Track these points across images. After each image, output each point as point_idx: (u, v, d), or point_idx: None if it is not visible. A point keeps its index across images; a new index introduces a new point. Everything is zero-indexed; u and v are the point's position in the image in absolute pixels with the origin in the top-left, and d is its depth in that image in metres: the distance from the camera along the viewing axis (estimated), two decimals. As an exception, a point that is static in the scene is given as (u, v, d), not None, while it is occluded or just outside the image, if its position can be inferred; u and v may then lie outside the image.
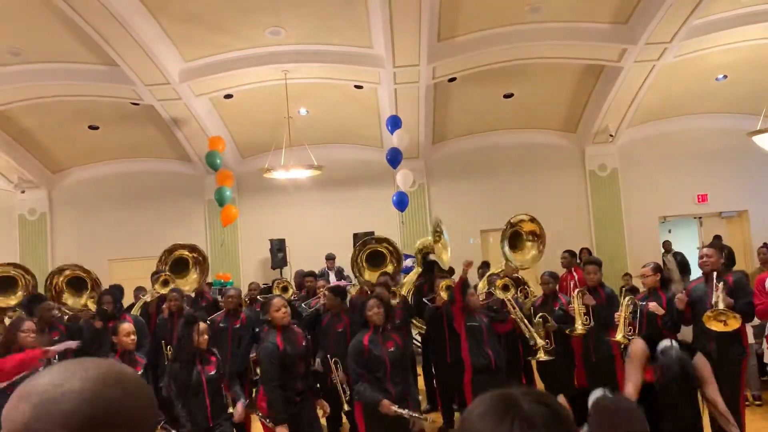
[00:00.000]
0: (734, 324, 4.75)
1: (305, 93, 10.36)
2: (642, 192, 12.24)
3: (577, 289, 6.19)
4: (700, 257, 5.34)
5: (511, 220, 7.21)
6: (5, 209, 12.55)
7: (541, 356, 5.99)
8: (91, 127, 11.32)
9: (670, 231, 13.82)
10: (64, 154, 12.29)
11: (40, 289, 7.36)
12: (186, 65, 9.45)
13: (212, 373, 4.88)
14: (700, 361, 3.87)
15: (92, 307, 6.70)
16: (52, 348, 5.32)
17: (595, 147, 12.19)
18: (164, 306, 6.64)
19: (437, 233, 7.51)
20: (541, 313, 6.26)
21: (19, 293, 6.90)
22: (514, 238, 6.94)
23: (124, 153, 12.36)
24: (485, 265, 9.12)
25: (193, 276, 7.37)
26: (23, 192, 12.48)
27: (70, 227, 12.65)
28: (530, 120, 12.06)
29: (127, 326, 5.12)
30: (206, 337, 4.92)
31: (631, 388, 3.77)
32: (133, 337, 5.06)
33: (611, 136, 11.76)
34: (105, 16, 7.61)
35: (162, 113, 10.46)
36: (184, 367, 4.80)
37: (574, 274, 8.35)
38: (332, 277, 9.98)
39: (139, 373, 5.02)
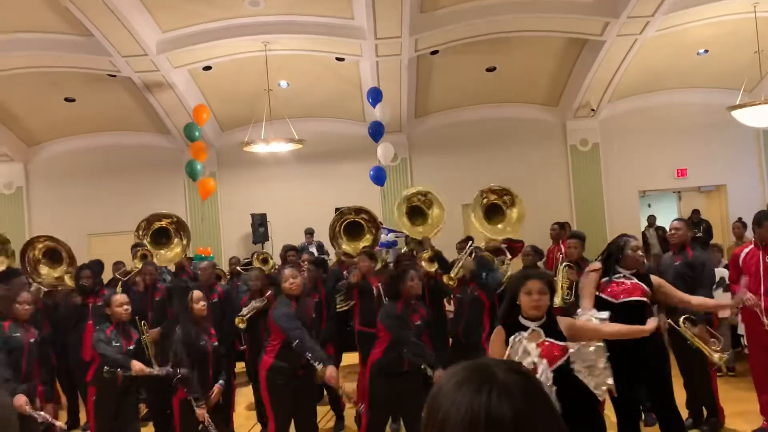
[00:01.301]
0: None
1: (286, 65, 10.23)
2: (622, 167, 12.31)
3: (564, 263, 6.20)
4: (670, 230, 5.50)
5: (481, 194, 6.98)
6: (-20, 183, 12.33)
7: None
8: (67, 100, 11.10)
9: (649, 205, 13.98)
10: (40, 127, 12.06)
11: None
12: (163, 36, 9.26)
13: (216, 344, 4.89)
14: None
15: (69, 282, 6.59)
16: None
17: (577, 121, 12.22)
18: (138, 279, 6.54)
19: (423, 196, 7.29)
20: None
21: None
22: (490, 211, 6.87)
23: (102, 126, 12.15)
24: (468, 240, 9.12)
25: (177, 244, 7.27)
26: (-2, 165, 12.26)
27: (48, 201, 12.47)
28: (513, 94, 12.03)
29: (120, 297, 5.06)
30: (203, 304, 4.88)
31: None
32: (126, 307, 4.99)
33: (593, 110, 11.79)
34: (79, -16, 7.42)
35: (139, 85, 10.27)
36: (193, 336, 4.79)
37: (562, 246, 8.39)
38: (312, 251, 9.98)
39: (131, 348, 4.95)
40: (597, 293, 4.47)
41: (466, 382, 1.01)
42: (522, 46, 10.29)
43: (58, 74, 10.07)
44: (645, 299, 4.45)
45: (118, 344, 4.88)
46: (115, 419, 4.88)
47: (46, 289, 6.79)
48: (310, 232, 10.86)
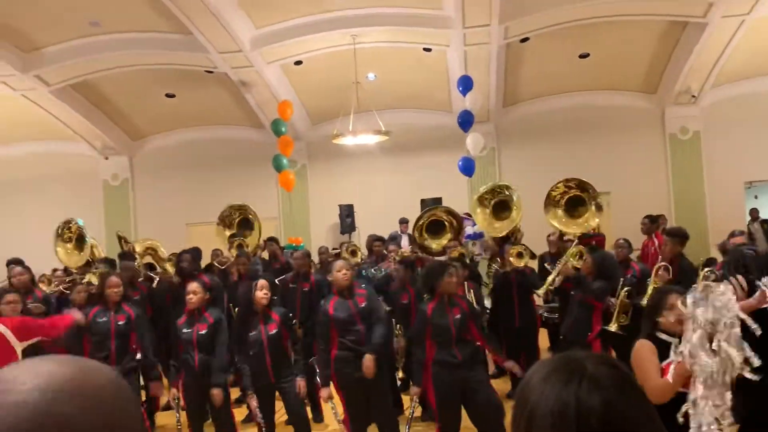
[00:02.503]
0: None
1: (373, 57, 10.30)
2: (726, 156, 11.59)
3: (658, 264, 5.85)
4: None
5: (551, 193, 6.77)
6: (91, 175, 13.19)
7: (612, 327, 5.61)
8: (167, 95, 11.68)
9: (756, 197, 13.13)
10: (144, 122, 12.77)
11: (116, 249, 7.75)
12: (257, 32, 9.56)
13: (273, 332, 4.97)
14: None
15: (170, 269, 6.96)
16: (79, 316, 5.05)
17: (677, 108, 11.61)
18: (233, 269, 6.82)
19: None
20: (627, 287, 5.81)
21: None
22: (570, 205, 6.63)
23: (200, 120, 12.70)
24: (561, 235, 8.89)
25: (255, 231, 7.71)
26: (107, 158, 13.08)
27: (151, 192, 13.18)
28: (607, 81, 11.59)
29: (190, 285, 5.18)
30: (264, 293, 4.95)
31: None
32: (191, 296, 5.04)
33: (694, 96, 11.19)
34: (178, -16, 7.77)
35: (235, 80, 10.66)
36: (242, 324, 4.99)
37: (655, 240, 8.11)
38: (405, 241, 10.00)
39: (202, 333, 5.05)
40: None
41: (555, 374, 1.00)
42: (618, 31, 9.88)
43: (159, 71, 10.61)
44: None
45: (188, 330, 5.01)
46: (203, 400, 5.05)
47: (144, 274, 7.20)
48: (404, 222, 10.97)
